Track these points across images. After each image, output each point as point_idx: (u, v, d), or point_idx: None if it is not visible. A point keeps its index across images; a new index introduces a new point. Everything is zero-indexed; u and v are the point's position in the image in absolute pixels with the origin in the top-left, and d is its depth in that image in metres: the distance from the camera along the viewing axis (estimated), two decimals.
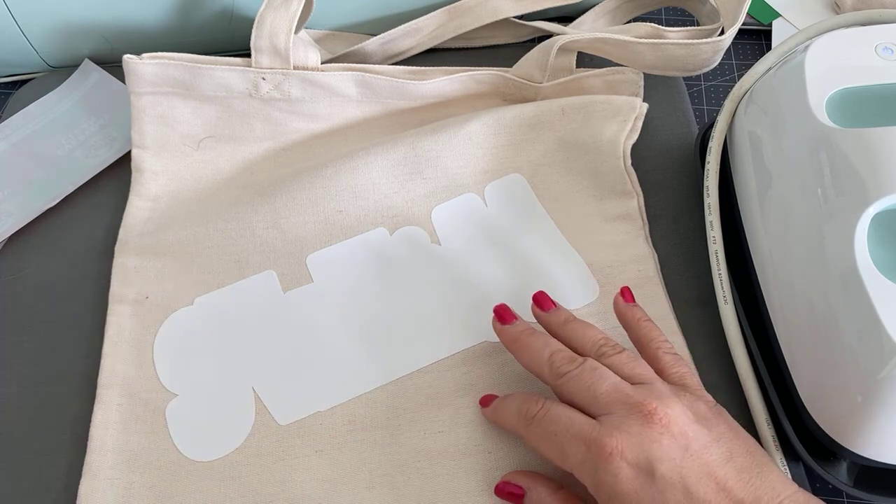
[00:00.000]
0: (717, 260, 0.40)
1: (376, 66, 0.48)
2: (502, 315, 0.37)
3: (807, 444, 0.35)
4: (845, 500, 0.37)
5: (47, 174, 0.47)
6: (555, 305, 0.37)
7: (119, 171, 0.47)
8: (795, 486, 0.29)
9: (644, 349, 0.35)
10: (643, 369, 0.33)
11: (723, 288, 0.39)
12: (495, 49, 0.54)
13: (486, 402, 0.37)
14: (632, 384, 0.32)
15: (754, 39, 0.55)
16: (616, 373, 0.32)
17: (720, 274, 0.40)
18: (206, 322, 0.41)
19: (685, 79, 0.51)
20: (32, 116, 0.50)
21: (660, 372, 0.33)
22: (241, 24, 0.49)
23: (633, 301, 0.37)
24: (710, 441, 0.30)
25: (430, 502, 0.35)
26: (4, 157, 0.48)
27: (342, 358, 0.40)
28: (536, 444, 0.32)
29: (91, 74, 0.51)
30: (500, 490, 0.34)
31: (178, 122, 0.46)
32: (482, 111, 0.46)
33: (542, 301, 0.37)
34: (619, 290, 0.38)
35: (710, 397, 0.33)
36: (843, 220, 0.32)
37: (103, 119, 0.50)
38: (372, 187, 0.44)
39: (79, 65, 0.52)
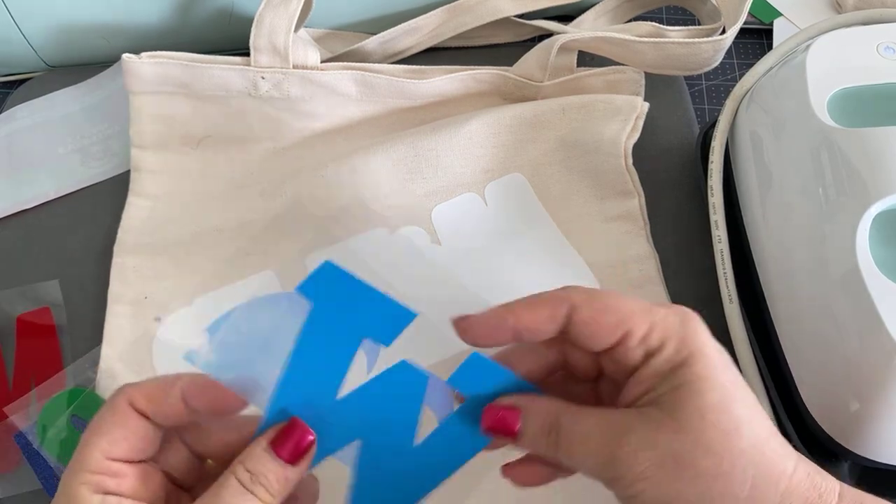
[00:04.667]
0: (723, 259, 0.40)
1: (376, 66, 0.48)
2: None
3: (808, 444, 0.35)
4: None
5: (36, 172, 0.47)
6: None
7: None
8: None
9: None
10: None
11: (728, 287, 0.39)
12: (495, 48, 0.53)
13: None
14: None
15: (755, 39, 0.55)
16: None
17: (725, 273, 0.39)
18: (206, 322, 0.41)
19: (686, 78, 0.51)
20: (44, 107, 0.50)
21: None
22: (240, 24, 0.49)
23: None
24: None
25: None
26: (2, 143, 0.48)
27: None
28: (601, 308, 0.26)
29: (116, 79, 0.49)
30: (491, 419, 0.27)
31: (177, 121, 0.46)
32: (482, 110, 0.46)
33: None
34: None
35: None
36: (844, 219, 0.32)
37: (112, 129, 0.49)
38: (372, 187, 0.44)
39: (78, 65, 0.52)
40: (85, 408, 0.38)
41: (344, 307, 0.29)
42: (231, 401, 0.26)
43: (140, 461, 0.26)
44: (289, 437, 0.26)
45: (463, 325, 0.28)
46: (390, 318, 0.29)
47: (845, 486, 0.25)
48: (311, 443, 0.26)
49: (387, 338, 0.29)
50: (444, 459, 0.29)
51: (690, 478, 0.24)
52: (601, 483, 0.25)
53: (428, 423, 0.29)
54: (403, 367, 0.29)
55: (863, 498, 0.25)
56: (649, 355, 0.25)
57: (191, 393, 0.26)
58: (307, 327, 0.28)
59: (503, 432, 0.27)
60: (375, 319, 0.29)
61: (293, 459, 0.26)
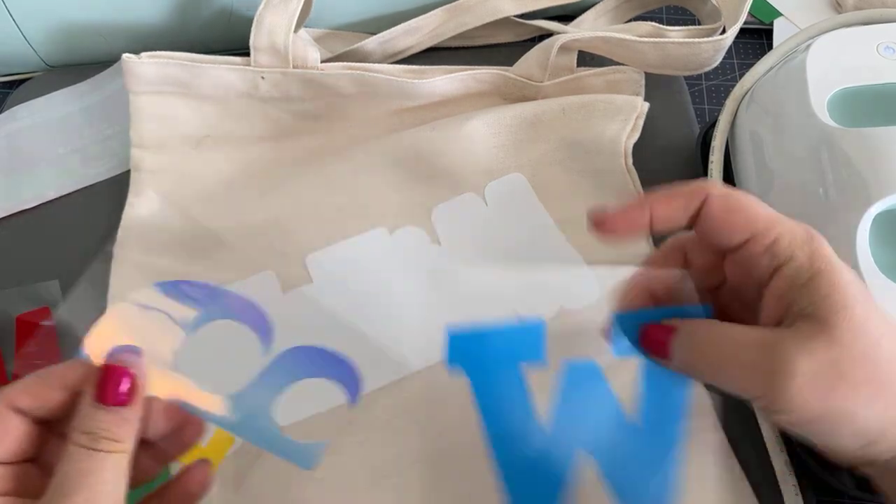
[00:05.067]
0: None
1: (376, 65, 0.48)
2: None
3: (809, 447, 0.35)
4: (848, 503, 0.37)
5: (36, 172, 0.47)
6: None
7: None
8: None
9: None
10: None
11: None
12: (495, 48, 0.53)
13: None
14: None
15: (755, 39, 0.55)
16: None
17: None
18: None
19: (686, 78, 0.51)
20: (44, 107, 0.50)
21: None
22: (240, 24, 0.49)
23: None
24: None
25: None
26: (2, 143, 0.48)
27: None
28: (731, 206, 0.27)
29: (116, 79, 0.50)
30: (649, 336, 0.28)
31: (177, 121, 0.46)
32: (482, 110, 0.46)
33: None
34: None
35: None
36: (844, 219, 0.32)
37: (112, 129, 0.49)
38: (372, 187, 0.44)
39: (78, 64, 0.52)
40: None
41: (488, 359, 0.31)
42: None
43: (20, 461, 0.26)
44: (107, 381, 0.26)
45: (600, 218, 0.28)
46: (527, 336, 0.31)
47: None
48: (131, 376, 0.26)
49: (537, 353, 0.31)
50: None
51: (847, 388, 0.24)
52: (752, 402, 0.26)
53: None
54: (574, 370, 0.31)
55: None
56: (778, 266, 0.26)
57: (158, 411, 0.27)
58: (479, 400, 0.30)
59: (655, 349, 0.28)
60: (517, 346, 0.31)
61: (122, 400, 0.25)
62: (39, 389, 0.26)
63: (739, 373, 0.25)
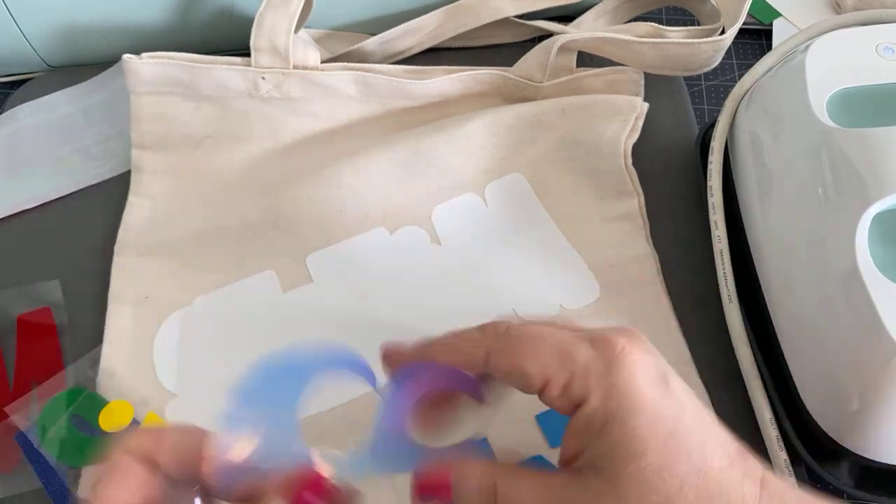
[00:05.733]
0: (722, 259, 0.40)
1: (376, 66, 0.48)
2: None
3: (808, 444, 0.35)
4: (847, 501, 0.37)
5: (36, 172, 0.47)
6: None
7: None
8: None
9: None
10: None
11: (727, 287, 0.39)
12: (495, 49, 0.53)
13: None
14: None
15: (755, 39, 0.55)
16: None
17: (725, 273, 0.39)
18: (206, 322, 0.41)
19: (686, 78, 0.51)
20: (45, 108, 0.49)
21: None
22: (240, 24, 0.49)
23: None
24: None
25: None
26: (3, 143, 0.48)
27: None
28: (516, 355, 0.24)
29: (117, 79, 0.49)
30: (422, 485, 0.25)
31: (178, 121, 0.46)
32: (482, 110, 0.46)
33: None
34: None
35: None
36: (843, 219, 0.32)
37: (113, 129, 0.49)
38: (372, 187, 0.44)
39: (78, 65, 0.52)
40: (85, 408, 0.38)
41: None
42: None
43: None
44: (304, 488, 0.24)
45: (388, 354, 0.27)
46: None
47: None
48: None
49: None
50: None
51: None
52: None
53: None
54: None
55: None
56: (575, 405, 0.24)
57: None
58: None
59: (436, 496, 0.25)
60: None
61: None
62: (187, 456, 0.24)
63: None
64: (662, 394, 0.23)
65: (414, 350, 0.27)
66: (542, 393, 0.24)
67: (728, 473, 0.23)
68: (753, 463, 0.24)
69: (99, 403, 0.38)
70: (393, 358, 0.28)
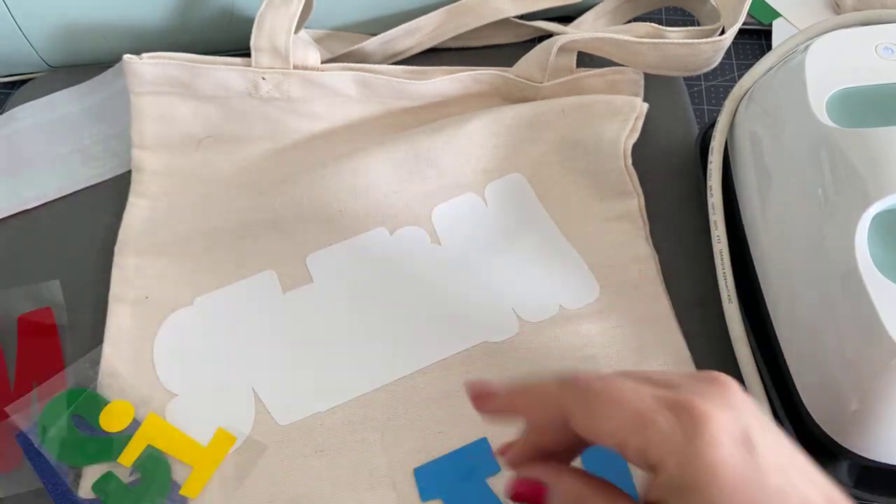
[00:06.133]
0: (722, 259, 0.40)
1: (376, 66, 0.48)
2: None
3: (807, 444, 0.35)
4: None
5: (36, 172, 0.47)
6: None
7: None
8: None
9: None
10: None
11: (727, 287, 0.39)
12: (495, 49, 0.53)
13: (481, 403, 0.29)
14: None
15: (755, 39, 0.55)
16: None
17: (724, 273, 0.40)
18: (206, 322, 0.41)
19: (685, 78, 0.51)
20: (45, 108, 0.49)
21: None
22: (240, 24, 0.49)
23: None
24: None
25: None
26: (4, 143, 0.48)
27: (342, 358, 0.40)
28: (594, 419, 0.25)
29: (117, 79, 0.49)
30: (517, 492, 0.27)
31: (178, 121, 0.46)
32: (482, 111, 0.46)
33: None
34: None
35: None
36: (843, 220, 0.32)
37: (113, 129, 0.49)
38: (372, 187, 0.44)
39: (79, 65, 0.52)
40: (85, 407, 0.38)
41: (456, 484, 0.36)
42: None
43: None
44: None
45: (478, 397, 0.29)
46: (478, 452, 0.37)
47: None
48: None
49: (494, 465, 0.36)
50: None
51: None
52: None
53: None
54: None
55: None
56: (651, 468, 0.23)
57: None
58: None
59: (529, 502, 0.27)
60: (475, 464, 0.36)
61: None
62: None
63: None
64: (744, 459, 0.23)
65: (505, 399, 0.28)
66: (618, 451, 0.24)
67: None
68: None
69: (99, 403, 0.38)
70: (484, 402, 0.29)
